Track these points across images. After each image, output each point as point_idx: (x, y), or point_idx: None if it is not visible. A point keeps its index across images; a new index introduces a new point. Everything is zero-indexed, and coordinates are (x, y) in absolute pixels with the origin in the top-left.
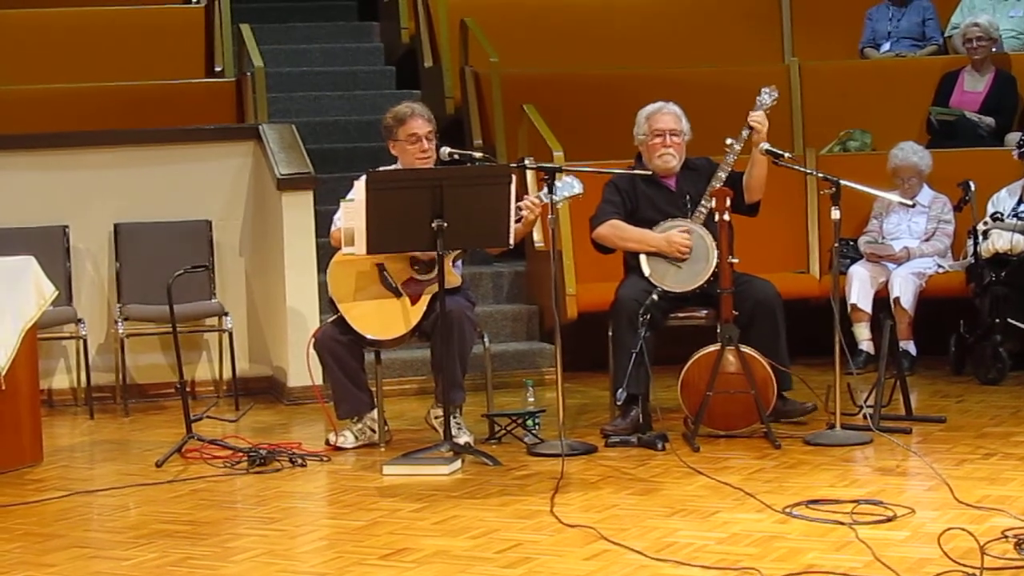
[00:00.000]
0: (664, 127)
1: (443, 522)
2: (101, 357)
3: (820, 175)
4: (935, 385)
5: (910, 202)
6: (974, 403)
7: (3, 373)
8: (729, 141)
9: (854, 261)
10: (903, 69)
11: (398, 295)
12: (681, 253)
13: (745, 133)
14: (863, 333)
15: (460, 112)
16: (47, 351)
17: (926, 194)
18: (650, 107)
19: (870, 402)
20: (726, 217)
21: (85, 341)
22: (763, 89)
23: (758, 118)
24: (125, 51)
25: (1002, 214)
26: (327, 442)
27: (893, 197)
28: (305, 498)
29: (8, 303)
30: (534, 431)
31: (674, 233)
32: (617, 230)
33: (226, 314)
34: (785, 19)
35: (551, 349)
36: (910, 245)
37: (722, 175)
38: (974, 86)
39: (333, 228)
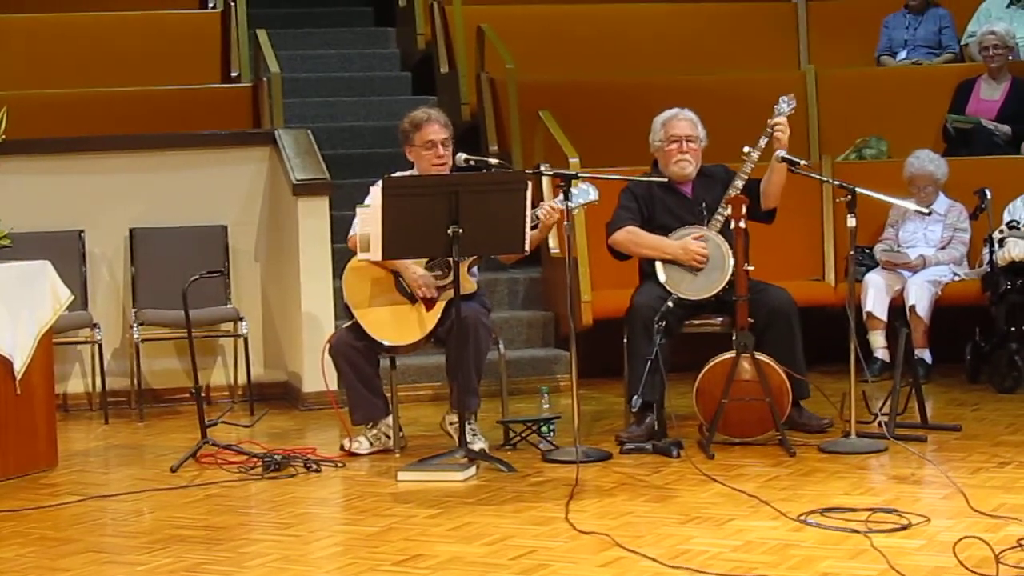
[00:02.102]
0: (680, 133)
1: (458, 528)
2: (116, 362)
3: (836, 183)
4: (951, 393)
5: (926, 210)
6: (990, 411)
7: (19, 378)
8: (747, 149)
9: (870, 269)
10: (919, 77)
11: (413, 301)
12: (697, 262)
13: (763, 141)
14: (878, 341)
15: (476, 118)
16: (62, 356)
17: (942, 202)
18: (666, 113)
19: (885, 410)
20: (742, 224)
21: (100, 346)
22: (781, 98)
23: (781, 126)
24: (142, 56)
25: (1018, 222)
26: (342, 448)
27: (909, 205)
28: (320, 504)
29: (24, 307)
30: (549, 438)
31: (690, 241)
32: (633, 237)
33: (241, 319)
34: (801, 27)
35: (566, 356)
36: (926, 253)
37: (739, 183)
38: (990, 94)
39: (351, 234)
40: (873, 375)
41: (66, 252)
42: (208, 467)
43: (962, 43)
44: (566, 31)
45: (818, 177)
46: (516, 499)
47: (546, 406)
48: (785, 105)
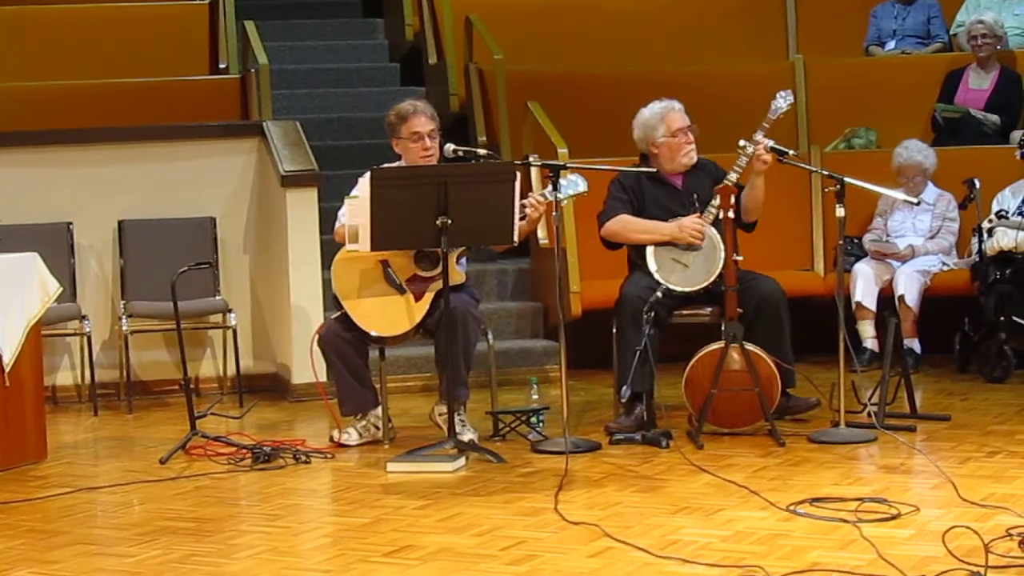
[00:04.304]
0: (683, 124)
1: (447, 519)
2: (105, 354)
3: (825, 173)
4: (940, 383)
5: (915, 200)
6: (979, 401)
7: (7, 370)
8: (742, 143)
9: (859, 259)
10: (908, 67)
11: (402, 292)
12: (695, 238)
13: (759, 135)
14: (867, 331)
15: (464, 109)
16: (51, 348)
17: (931, 192)
18: (655, 109)
19: (874, 400)
20: (731, 215)
21: (89, 338)
22: (779, 93)
23: (766, 157)
24: (129, 48)
25: (1007, 212)
26: (331, 439)
27: (898, 195)
28: (309, 495)
29: (13, 300)
30: (538, 428)
31: (686, 220)
32: (626, 224)
33: (230, 311)
34: (790, 17)
35: (555, 346)
36: (915, 243)
37: (733, 176)
38: (979, 84)
39: (338, 225)
40: (862, 365)
41: (54, 244)
42: (197, 459)
43: (951, 33)
44: (554, 22)
45: (807, 167)
46: (505, 490)
47: (535, 397)
48: (782, 101)
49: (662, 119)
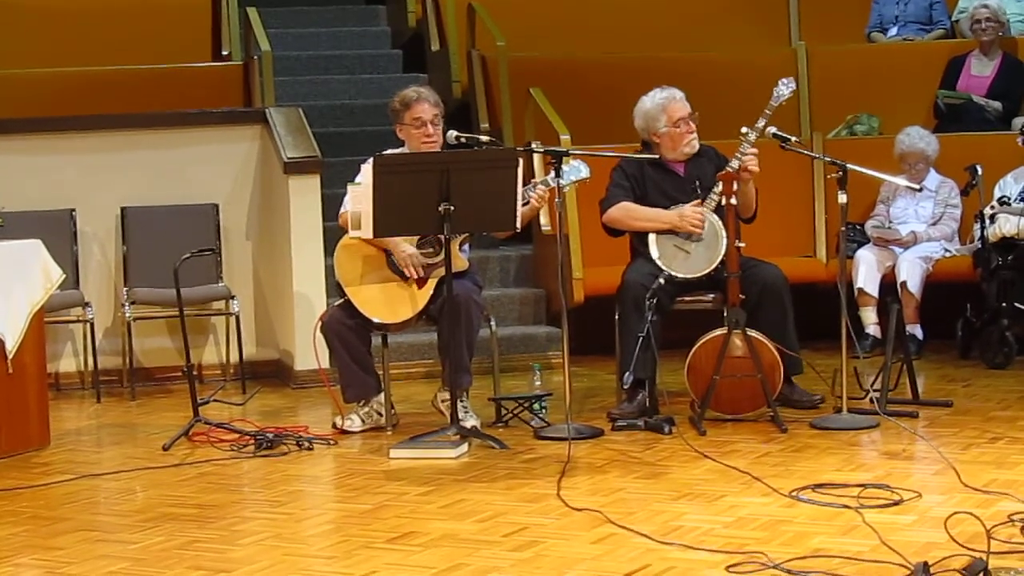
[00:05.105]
0: (684, 114)
1: (450, 506)
2: (108, 341)
3: (827, 159)
4: (942, 369)
5: (917, 186)
6: (981, 387)
7: (10, 357)
8: (744, 130)
9: (861, 245)
10: (910, 53)
11: (405, 279)
12: (695, 227)
13: (761, 123)
14: (870, 317)
15: (467, 96)
16: (54, 335)
17: (933, 178)
18: (657, 99)
19: (877, 386)
20: (733, 201)
21: (92, 325)
22: (781, 80)
23: (754, 168)
24: (132, 34)
25: (1009, 198)
26: (334, 426)
27: (900, 181)
28: (312, 482)
29: (15, 287)
30: (541, 415)
31: (687, 208)
32: (628, 211)
33: (233, 298)
34: (792, 3)
35: (558, 333)
36: (917, 229)
37: (735, 164)
38: (981, 70)
39: (342, 211)
40: (864, 351)
41: (57, 231)
42: (200, 445)
43: (953, 19)
44: (557, 8)
45: (809, 154)
46: (508, 476)
47: (538, 383)
48: (785, 88)
49: (663, 109)
